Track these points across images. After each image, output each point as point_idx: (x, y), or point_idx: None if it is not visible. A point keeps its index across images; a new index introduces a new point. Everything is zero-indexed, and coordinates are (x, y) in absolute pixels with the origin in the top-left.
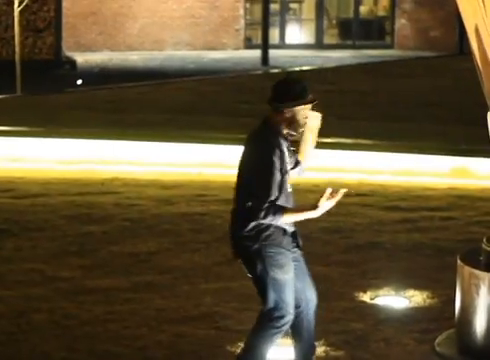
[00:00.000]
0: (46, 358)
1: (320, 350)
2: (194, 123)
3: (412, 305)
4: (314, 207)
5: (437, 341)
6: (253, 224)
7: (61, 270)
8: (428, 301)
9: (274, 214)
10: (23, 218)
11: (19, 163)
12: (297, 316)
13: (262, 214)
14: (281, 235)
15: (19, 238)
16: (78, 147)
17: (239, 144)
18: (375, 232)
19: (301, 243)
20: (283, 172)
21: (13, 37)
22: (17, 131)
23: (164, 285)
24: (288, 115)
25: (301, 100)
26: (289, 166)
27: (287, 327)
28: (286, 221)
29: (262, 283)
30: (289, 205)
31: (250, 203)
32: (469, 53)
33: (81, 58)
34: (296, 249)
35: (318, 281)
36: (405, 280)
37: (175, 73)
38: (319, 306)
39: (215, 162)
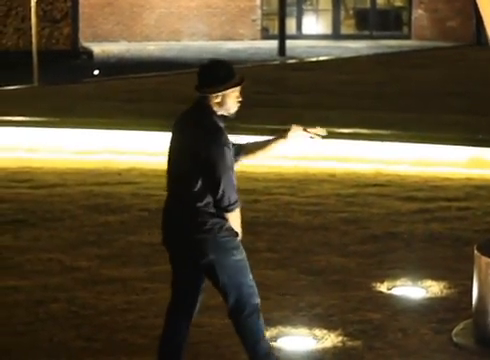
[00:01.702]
0: (64, 348)
1: (337, 340)
2: None
3: (429, 295)
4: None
5: (454, 331)
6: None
7: (79, 260)
8: (445, 291)
9: (235, 203)
10: (40, 208)
11: (36, 153)
12: None
13: (224, 200)
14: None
15: (37, 228)
16: (95, 137)
17: (256, 134)
18: (392, 222)
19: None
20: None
21: (30, 28)
22: (34, 121)
23: None
24: (217, 99)
25: (228, 83)
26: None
27: (258, 305)
28: (235, 216)
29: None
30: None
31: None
32: (486, 43)
33: (98, 48)
34: None
35: (336, 271)
36: (422, 270)
37: (192, 63)
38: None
39: None
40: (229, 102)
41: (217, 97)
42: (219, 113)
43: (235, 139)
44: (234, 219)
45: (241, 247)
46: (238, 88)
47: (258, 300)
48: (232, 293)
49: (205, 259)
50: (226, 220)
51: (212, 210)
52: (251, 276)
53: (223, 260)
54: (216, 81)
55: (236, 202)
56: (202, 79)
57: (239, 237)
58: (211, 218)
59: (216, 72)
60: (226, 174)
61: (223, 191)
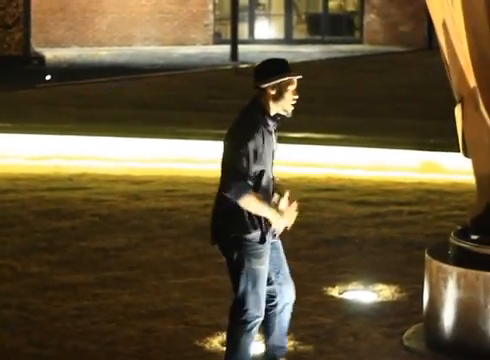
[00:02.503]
0: (16, 354)
1: (289, 344)
2: (163, 118)
3: (380, 299)
4: (279, 212)
5: (405, 335)
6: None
7: (30, 266)
8: (396, 295)
9: (240, 190)
10: None
11: None
12: (270, 309)
13: (228, 187)
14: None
15: None
16: (47, 143)
17: (208, 139)
18: (344, 227)
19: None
20: (260, 151)
21: None
22: None
23: (133, 280)
24: (273, 92)
25: (283, 74)
26: (272, 147)
27: (258, 321)
28: (248, 203)
29: (237, 272)
30: (266, 190)
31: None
32: (437, 48)
33: (50, 54)
34: (274, 239)
35: None
36: (374, 274)
37: (144, 68)
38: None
39: (184, 157)
40: (286, 96)
41: (273, 89)
42: (273, 112)
43: None
44: (258, 211)
45: (263, 256)
46: (294, 83)
47: (258, 314)
48: (237, 296)
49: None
50: (251, 225)
51: (234, 210)
52: (263, 288)
53: (239, 264)
54: (271, 72)
55: (241, 192)
56: (257, 73)
57: (276, 227)
58: (232, 219)
59: (271, 65)
60: (240, 161)
61: (230, 183)
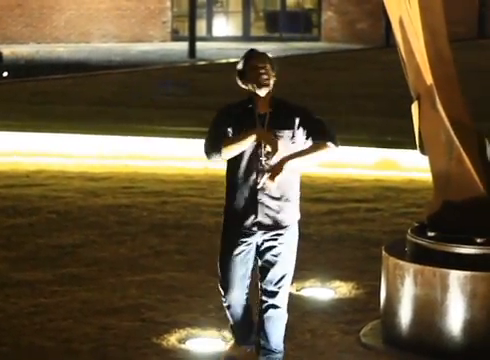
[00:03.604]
0: None
1: None
2: (120, 115)
3: (338, 296)
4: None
5: (362, 332)
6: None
7: None
8: (354, 292)
9: (206, 149)
10: None
11: None
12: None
13: (207, 155)
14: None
15: None
16: (3, 139)
17: (165, 136)
18: (302, 224)
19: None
20: (225, 130)
21: None
22: None
23: (90, 277)
24: (244, 81)
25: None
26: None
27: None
28: (229, 153)
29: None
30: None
31: None
32: (395, 45)
33: (7, 50)
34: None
35: None
36: (331, 271)
37: (102, 65)
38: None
39: (142, 154)
40: (251, 77)
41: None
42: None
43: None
44: (233, 146)
45: (227, 233)
46: (254, 62)
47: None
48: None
49: None
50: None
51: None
52: (231, 267)
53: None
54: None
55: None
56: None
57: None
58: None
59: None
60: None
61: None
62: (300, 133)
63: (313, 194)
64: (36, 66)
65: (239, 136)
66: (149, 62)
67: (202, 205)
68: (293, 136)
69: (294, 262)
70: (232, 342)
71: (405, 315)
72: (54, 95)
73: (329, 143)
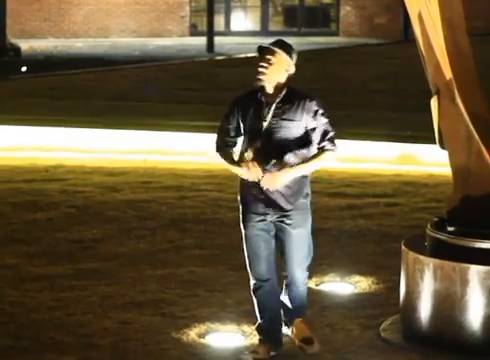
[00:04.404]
0: None
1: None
2: (139, 110)
3: (357, 291)
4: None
5: (382, 327)
6: None
7: (7, 257)
8: (373, 287)
9: (217, 149)
10: None
11: None
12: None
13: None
14: (249, 195)
15: None
16: (23, 134)
17: (184, 131)
18: (320, 218)
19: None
20: (234, 121)
21: None
22: None
23: (109, 272)
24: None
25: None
26: (260, 120)
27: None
28: (220, 160)
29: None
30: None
31: None
32: (413, 40)
33: (26, 45)
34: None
35: None
36: (350, 266)
37: (120, 60)
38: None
39: (160, 149)
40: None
41: None
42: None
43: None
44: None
45: (248, 242)
46: (258, 56)
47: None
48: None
49: None
50: (241, 200)
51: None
52: (261, 251)
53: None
54: None
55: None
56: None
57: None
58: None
59: None
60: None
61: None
62: (306, 126)
63: (332, 189)
64: (55, 61)
65: (229, 161)
66: (167, 57)
67: (221, 200)
68: (299, 126)
69: (309, 238)
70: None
71: (425, 310)
72: (72, 90)
73: (330, 149)
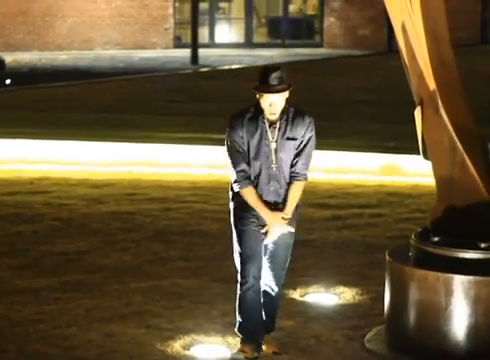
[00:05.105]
0: None
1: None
2: (124, 122)
3: (342, 302)
4: (272, 215)
5: (367, 337)
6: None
7: None
8: (358, 298)
9: (238, 185)
10: None
11: None
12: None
13: (233, 181)
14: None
15: None
16: (6, 147)
17: (169, 142)
18: (305, 230)
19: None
20: (242, 143)
21: None
22: None
23: (94, 284)
24: (257, 97)
25: (257, 87)
26: (265, 142)
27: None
28: (245, 197)
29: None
30: (265, 182)
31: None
32: (397, 51)
33: (10, 58)
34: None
35: None
36: (335, 277)
37: (104, 72)
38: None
39: (145, 161)
40: (263, 106)
41: (257, 96)
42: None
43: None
44: (249, 201)
45: (246, 237)
46: (264, 97)
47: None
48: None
49: None
50: (237, 203)
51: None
52: (258, 248)
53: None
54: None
55: (236, 182)
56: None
57: (266, 222)
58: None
59: (260, 74)
60: (228, 154)
61: (231, 169)
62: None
63: (316, 200)
64: (39, 73)
65: (259, 205)
66: (152, 69)
67: (206, 211)
68: (298, 142)
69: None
70: (239, 344)
71: (409, 320)
72: (57, 102)
73: (304, 180)
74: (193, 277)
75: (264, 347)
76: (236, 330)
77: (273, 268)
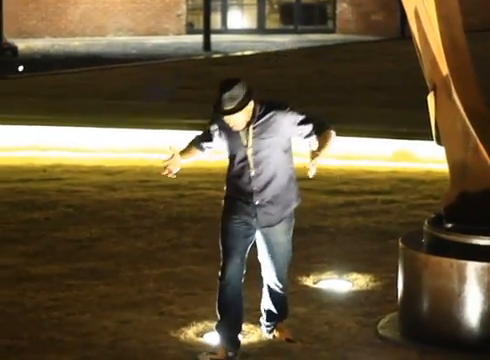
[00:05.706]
0: None
1: (263, 334)
2: (136, 109)
3: (355, 288)
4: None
5: (380, 324)
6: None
7: (4, 257)
8: (371, 284)
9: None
10: None
11: None
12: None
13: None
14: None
15: None
16: (20, 134)
17: (181, 129)
18: (319, 216)
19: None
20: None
21: None
22: None
23: (107, 271)
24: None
25: (215, 106)
26: (241, 146)
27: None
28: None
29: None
30: (246, 182)
31: None
32: (410, 37)
33: (23, 44)
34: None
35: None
36: (348, 264)
37: (117, 59)
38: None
39: (157, 147)
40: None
41: None
42: None
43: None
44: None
45: (226, 234)
46: (223, 114)
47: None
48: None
49: None
50: (225, 198)
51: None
52: (238, 246)
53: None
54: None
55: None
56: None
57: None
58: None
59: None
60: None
61: None
62: (290, 136)
63: (330, 186)
64: (51, 60)
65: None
66: (164, 55)
67: (218, 198)
68: (283, 142)
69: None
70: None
71: (422, 307)
72: (70, 89)
73: (329, 128)
74: (206, 264)
75: (277, 334)
76: (214, 328)
77: (274, 265)
